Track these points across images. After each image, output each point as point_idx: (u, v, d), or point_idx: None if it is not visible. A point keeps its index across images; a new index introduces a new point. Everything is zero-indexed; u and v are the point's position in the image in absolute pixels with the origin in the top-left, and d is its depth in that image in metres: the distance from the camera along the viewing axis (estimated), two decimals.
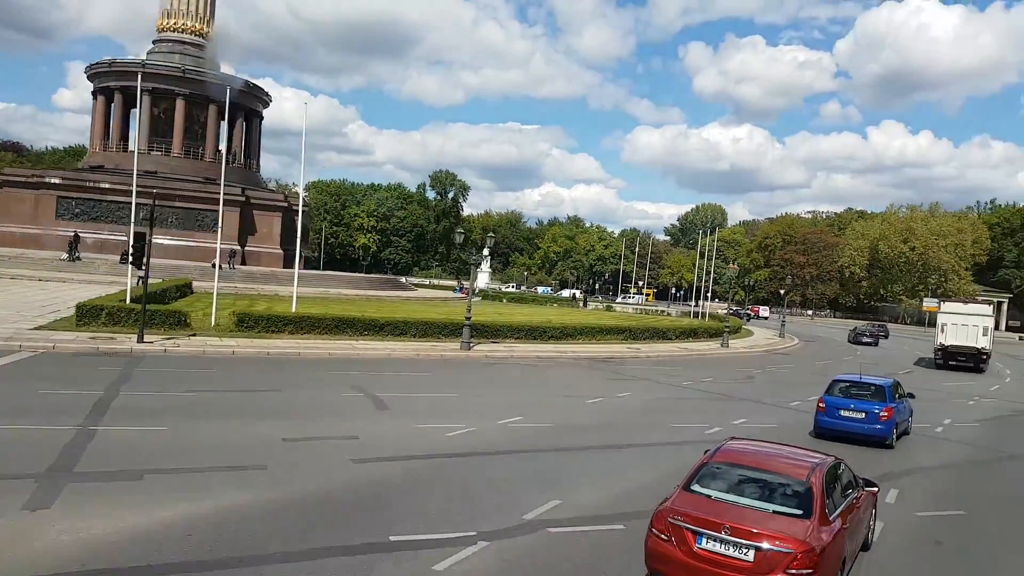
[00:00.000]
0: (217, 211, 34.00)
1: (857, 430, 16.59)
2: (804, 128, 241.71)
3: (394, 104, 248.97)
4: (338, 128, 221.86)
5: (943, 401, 26.19)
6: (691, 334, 45.35)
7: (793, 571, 7.03)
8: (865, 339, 59.55)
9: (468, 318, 27.63)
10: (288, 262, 56.68)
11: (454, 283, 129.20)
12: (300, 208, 38.82)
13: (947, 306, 43.34)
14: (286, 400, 17.06)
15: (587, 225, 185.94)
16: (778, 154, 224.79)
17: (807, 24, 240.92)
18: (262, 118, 63.09)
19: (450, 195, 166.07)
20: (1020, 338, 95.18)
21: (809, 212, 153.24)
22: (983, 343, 39.43)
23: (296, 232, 37.13)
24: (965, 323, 39.99)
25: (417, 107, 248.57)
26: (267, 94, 62.58)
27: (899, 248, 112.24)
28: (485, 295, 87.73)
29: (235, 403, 16.57)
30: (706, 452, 8.88)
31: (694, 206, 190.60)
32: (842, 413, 16.86)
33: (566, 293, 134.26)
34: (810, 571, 7.05)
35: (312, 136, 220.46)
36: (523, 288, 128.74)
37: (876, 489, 9.91)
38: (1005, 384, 34.38)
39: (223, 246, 40.19)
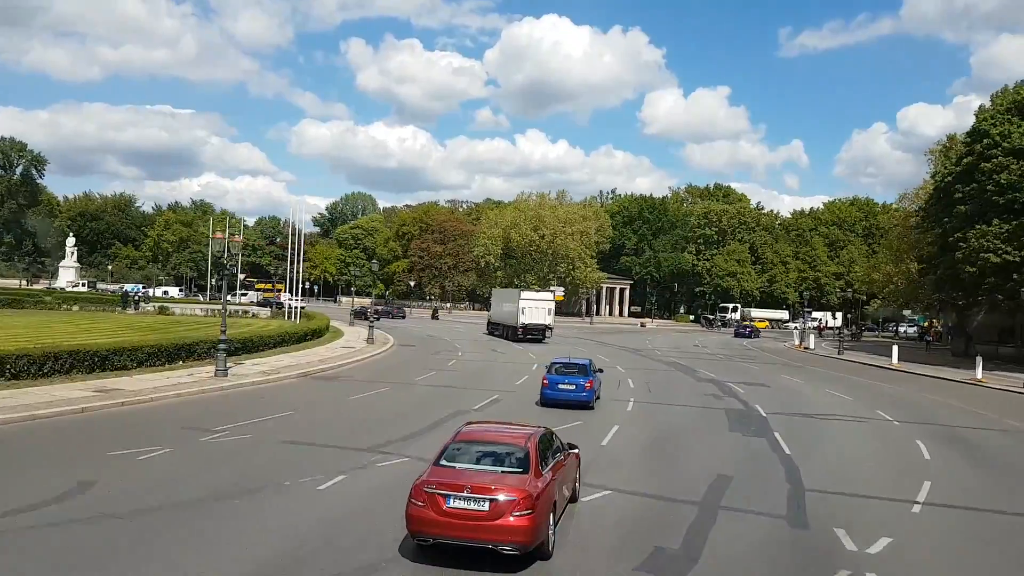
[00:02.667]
0: None
1: (570, 398, 21.16)
2: (462, 132, 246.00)
3: (12, 78, 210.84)
4: None
5: None
6: (176, 354, 26.82)
7: (517, 512, 8.80)
8: (368, 316, 66.84)
9: None
10: None
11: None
12: None
13: (525, 294, 53.16)
14: None
15: (217, 211, 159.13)
16: (440, 156, 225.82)
17: (459, 32, 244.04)
18: None
19: (19, 170, 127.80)
20: (642, 324, 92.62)
21: (450, 201, 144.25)
22: (548, 320, 50.77)
23: None
24: (537, 306, 50.32)
25: (43, 82, 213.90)
26: None
27: (529, 236, 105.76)
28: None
29: None
30: (450, 437, 10.57)
31: (343, 195, 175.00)
32: (560, 387, 21.36)
33: (173, 291, 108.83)
34: (529, 511, 8.84)
35: None
36: (101, 288, 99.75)
37: (577, 451, 12.14)
38: (628, 415, 21.10)
39: None
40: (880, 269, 71.25)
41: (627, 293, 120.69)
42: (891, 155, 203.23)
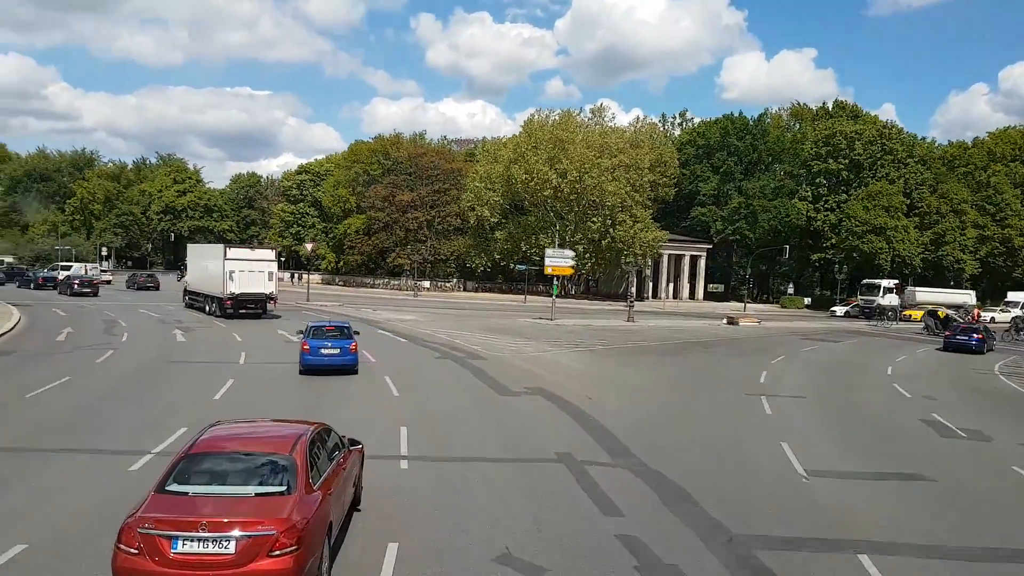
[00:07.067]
0: None
1: (335, 363, 19.66)
2: (532, 104, 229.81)
3: (103, 65, 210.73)
4: (35, 90, 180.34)
5: None
6: None
7: (277, 552, 6.35)
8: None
9: None
10: None
11: None
12: None
13: (233, 252, 38.05)
14: None
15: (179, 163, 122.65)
16: (509, 129, 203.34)
17: (529, 2, 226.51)
18: None
19: None
20: (729, 321, 49.54)
21: (450, 138, 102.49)
22: (270, 288, 37.87)
23: None
24: (252, 269, 37.32)
25: (130, 68, 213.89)
26: None
27: (544, 174, 64.14)
28: None
29: None
30: (183, 446, 7.58)
31: (350, 144, 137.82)
32: (322, 352, 19.65)
33: (78, 268, 70.81)
34: (294, 547, 6.41)
35: (2, 98, 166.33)
36: None
37: (361, 446, 9.62)
38: None
39: None
40: None
41: (702, 263, 77.68)
42: (992, 118, 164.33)
